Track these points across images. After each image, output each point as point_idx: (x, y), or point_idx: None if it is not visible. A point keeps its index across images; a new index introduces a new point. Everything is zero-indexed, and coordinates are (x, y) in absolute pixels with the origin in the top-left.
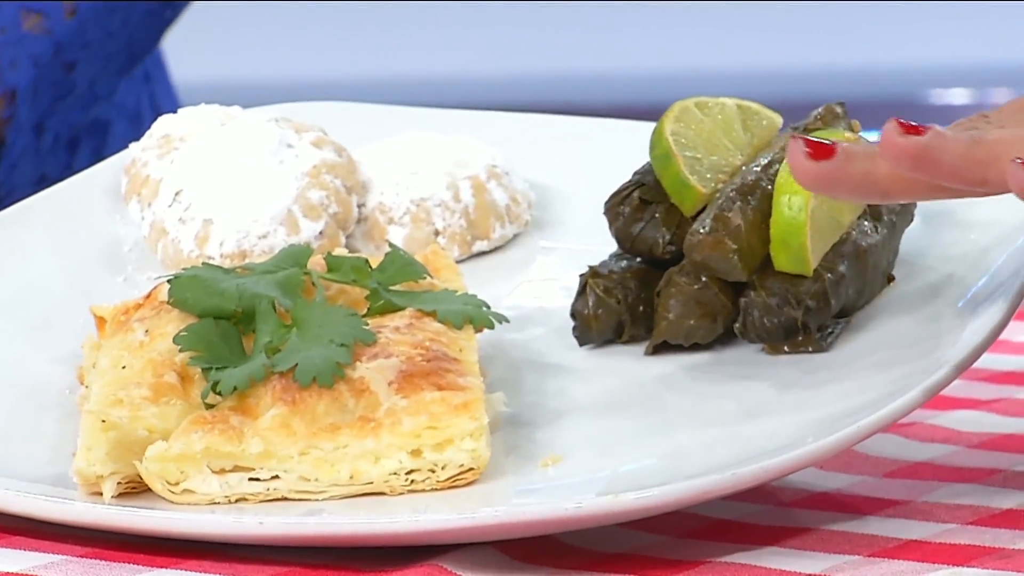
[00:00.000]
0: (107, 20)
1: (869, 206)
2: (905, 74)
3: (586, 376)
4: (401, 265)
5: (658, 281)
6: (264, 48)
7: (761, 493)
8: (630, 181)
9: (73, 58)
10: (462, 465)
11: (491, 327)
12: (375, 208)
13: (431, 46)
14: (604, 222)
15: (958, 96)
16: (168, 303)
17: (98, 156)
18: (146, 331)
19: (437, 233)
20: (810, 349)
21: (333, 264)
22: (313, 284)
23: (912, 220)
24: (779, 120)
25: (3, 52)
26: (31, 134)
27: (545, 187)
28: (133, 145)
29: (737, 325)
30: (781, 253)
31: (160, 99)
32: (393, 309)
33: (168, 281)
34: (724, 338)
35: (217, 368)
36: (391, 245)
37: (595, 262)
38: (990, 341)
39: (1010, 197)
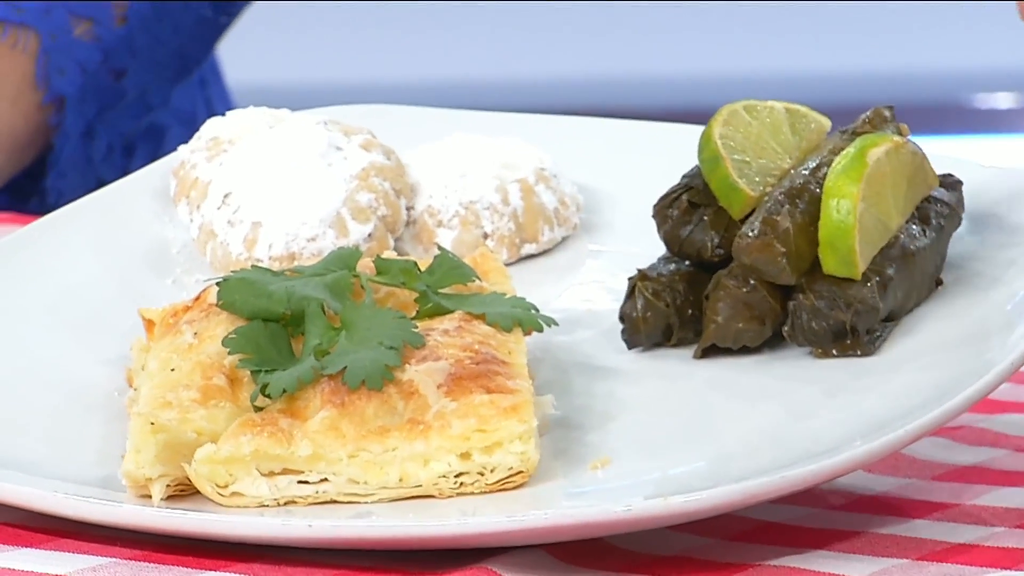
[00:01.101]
0: (156, 27)
1: (917, 209)
2: (953, 78)
3: (635, 379)
4: (450, 268)
5: (706, 284)
6: (314, 51)
7: (809, 496)
8: (678, 184)
9: (122, 65)
10: (511, 468)
11: (540, 330)
12: (424, 211)
13: (480, 49)
14: (652, 225)
15: (1004, 100)
16: (217, 305)
17: (154, 161)
18: (195, 333)
19: (486, 236)
20: (858, 352)
21: (382, 267)
22: (362, 287)
23: (960, 224)
24: (827, 123)
25: (52, 59)
26: (80, 141)
27: (593, 190)
28: (182, 147)
29: (785, 328)
30: (829, 256)
31: (215, 103)
32: (442, 312)
33: (217, 283)
34: (772, 341)
35: (266, 371)
36: (440, 248)
37: (644, 265)
38: None
39: None
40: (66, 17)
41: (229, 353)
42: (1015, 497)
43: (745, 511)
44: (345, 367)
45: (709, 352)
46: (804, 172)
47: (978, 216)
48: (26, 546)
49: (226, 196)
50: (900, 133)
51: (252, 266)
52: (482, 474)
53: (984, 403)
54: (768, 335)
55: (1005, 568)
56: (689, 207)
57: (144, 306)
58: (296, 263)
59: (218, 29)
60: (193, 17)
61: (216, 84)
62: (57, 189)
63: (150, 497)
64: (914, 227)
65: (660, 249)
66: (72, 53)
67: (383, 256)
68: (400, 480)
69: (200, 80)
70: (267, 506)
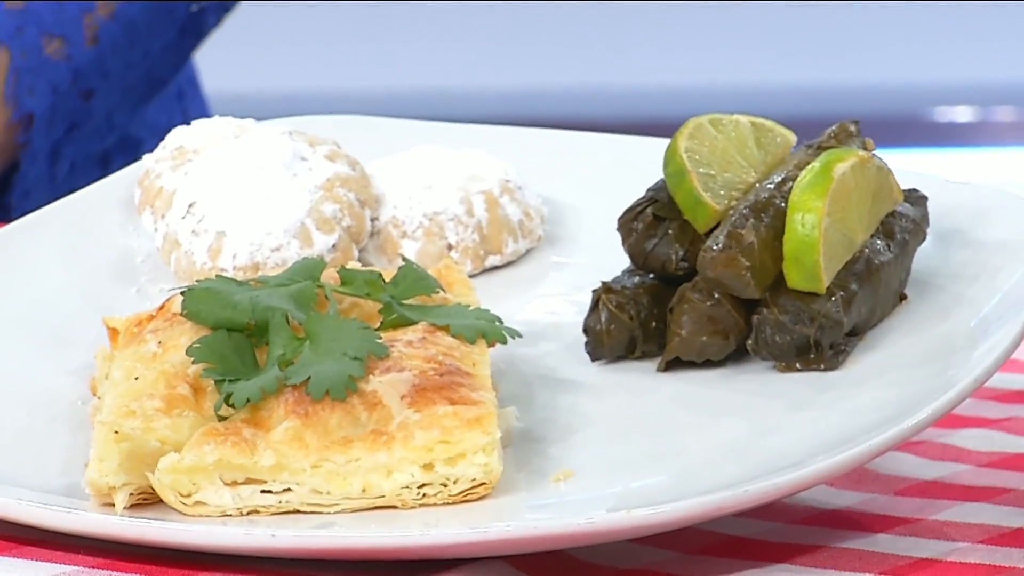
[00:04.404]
0: (127, 51)
1: (882, 224)
2: (919, 91)
3: (598, 392)
4: (414, 279)
5: (671, 297)
6: (280, 60)
7: (772, 510)
8: (643, 197)
9: (91, 86)
10: (474, 479)
11: (504, 342)
12: (388, 222)
13: (445, 59)
14: (617, 238)
15: (969, 113)
16: (181, 315)
17: None
18: (159, 343)
19: (450, 247)
20: (822, 367)
21: (346, 277)
22: (326, 297)
23: (925, 239)
24: (793, 137)
25: (22, 77)
26: (46, 161)
27: (558, 202)
28: (147, 157)
29: (749, 342)
30: (794, 271)
31: (193, 115)
32: (406, 323)
33: (181, 293)
34: (736, 355)
35: (230, 380)
36: (404, 259)
37: (608, 278)
38: (1001, 361)
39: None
40: (38, 36)
41: (193, 362)
42: (977, 512)
43: (708, 525)
44: (309, 377)
45: (673, 365)
46: (769, 186)
47: (943, 232)
48: None
49: (190, 206)
50: (866, 148)
51: (216, 276)
52: (445, 485)
53: (947, 418)
54: (732, 349)
55: None
56: (654, 220)
57: (108, 315)
58: (260, 273)
59: (185, 53)
60: (163, 42)
61: (194, 96)
62: (21, 209)
63: (113, 506)
64: (879, 242)
65: (624, 262)
66: (43, 72)
67: (347, 267)
68: (363, 491)
69: (177, 93)
70: (230, 515)
